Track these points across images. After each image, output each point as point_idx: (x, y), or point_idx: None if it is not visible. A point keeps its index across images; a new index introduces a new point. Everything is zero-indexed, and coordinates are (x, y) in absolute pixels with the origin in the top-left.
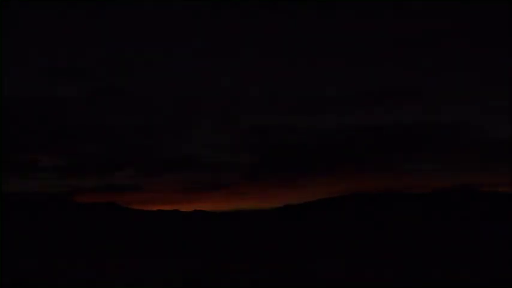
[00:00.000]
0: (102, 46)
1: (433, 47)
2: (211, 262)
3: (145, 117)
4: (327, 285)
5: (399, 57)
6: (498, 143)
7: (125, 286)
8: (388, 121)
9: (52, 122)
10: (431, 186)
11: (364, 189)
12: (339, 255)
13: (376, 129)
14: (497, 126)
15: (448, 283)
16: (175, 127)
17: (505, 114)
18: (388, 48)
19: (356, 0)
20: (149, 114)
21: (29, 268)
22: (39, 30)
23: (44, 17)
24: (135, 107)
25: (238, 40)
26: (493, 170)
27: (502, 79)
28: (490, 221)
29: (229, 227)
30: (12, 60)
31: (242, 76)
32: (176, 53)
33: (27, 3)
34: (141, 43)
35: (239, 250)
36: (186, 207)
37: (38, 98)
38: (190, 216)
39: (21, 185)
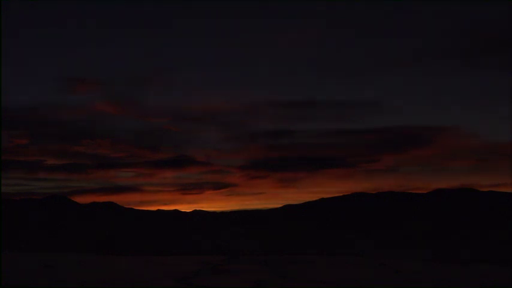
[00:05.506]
0: (103, 57)
1: (434, 52)
2: (211, 261)
3: (145, 120)
4: (327, 284)
5: (398, 64)
6: (498, 146)
7: (125, 285)
8: (388, 123)
9: (53, 124)
10: (431, 186)
11: (364, 189)
12: (339, 255)
13: (376, 131)
14: (498, 130)
15: (448, 282)
16: (176, 128)
17: (506, 118)
18: (388, 55)
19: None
20: (149, 117)
21: (30, 267)
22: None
23: (53, 27)
24: (136, 110)
25: (245, 52)
26: (493, 171)
27: (504, 86)
28: (489, 221)
29: (229, 226)
30: (16, 66)
31: (241, 80)
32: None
33: (41, 12)
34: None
35: (239, 249)
36: (186, 207)
37: (40, 103)
38: (190, 216)
39: (22, 185)
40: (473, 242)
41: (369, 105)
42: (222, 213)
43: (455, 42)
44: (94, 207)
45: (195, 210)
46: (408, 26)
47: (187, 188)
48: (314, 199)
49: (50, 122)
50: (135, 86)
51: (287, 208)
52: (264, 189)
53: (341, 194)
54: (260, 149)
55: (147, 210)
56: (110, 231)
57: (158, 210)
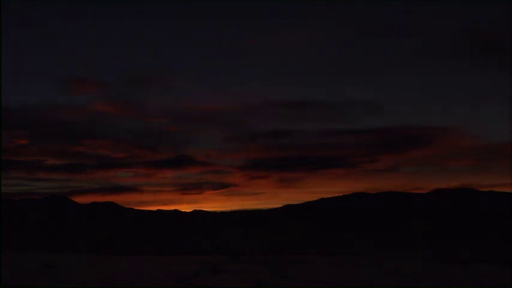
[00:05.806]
0: (103, 57)
1: (434, 52)
2: (211, 261)
3: (145, 120)
4: (327, 284)
5: (398, 64)
6: (498, 146)
7: (125, 285)
8: (388, 123)
9: (53, 124)
10: (431, 186)
11: (364, 189)
12: (339, 255)
13: (376, 131)
14: (498, 130)
15: (448, 282)
16: (176, 128)
17: (506, 118)
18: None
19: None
20: (149, 117)
21: (30, 267)
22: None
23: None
24: (136, 110)
25: (245, 52)
26: (493, 171)
27: (504, 86)
28: (489, 221)
29: (229, 226)
30: (16, 66)
31: (241, 80)
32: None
33: (41, 12)
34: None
35: (239, 249)
36: (186, 207)
37: (40, 103)
38: (190, 216)
39: (22, 185)
40: (473, 242)
41: (369, 105)
42: (222, 213)
43: (455, 42)
44: (94, 207)
45: (195, 210)
46: (408, 26)
47: (187, 188)
48: (314, 199)
49: (50, 122)
50: (135, 86)
51: (287, 208)
52: (264, 189)
53: (341, 194)
54: (260, 149)
55: (147, 210)
56: (110, 231)
57: (158, 210)
